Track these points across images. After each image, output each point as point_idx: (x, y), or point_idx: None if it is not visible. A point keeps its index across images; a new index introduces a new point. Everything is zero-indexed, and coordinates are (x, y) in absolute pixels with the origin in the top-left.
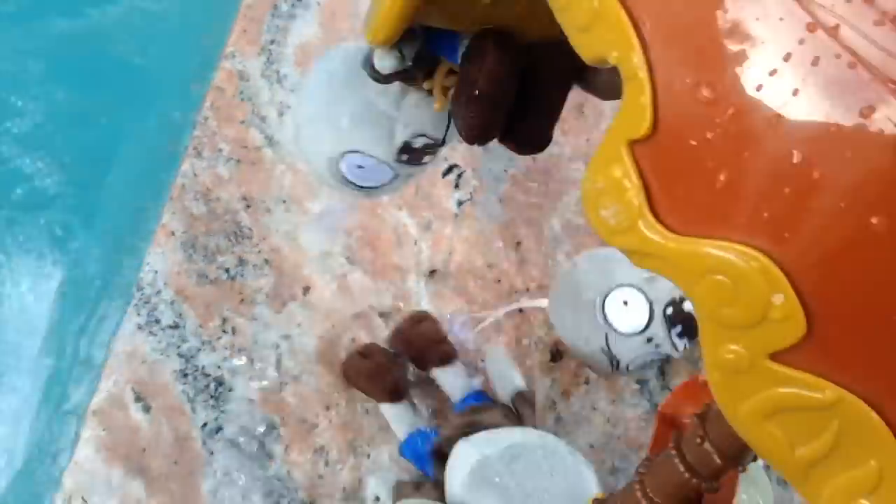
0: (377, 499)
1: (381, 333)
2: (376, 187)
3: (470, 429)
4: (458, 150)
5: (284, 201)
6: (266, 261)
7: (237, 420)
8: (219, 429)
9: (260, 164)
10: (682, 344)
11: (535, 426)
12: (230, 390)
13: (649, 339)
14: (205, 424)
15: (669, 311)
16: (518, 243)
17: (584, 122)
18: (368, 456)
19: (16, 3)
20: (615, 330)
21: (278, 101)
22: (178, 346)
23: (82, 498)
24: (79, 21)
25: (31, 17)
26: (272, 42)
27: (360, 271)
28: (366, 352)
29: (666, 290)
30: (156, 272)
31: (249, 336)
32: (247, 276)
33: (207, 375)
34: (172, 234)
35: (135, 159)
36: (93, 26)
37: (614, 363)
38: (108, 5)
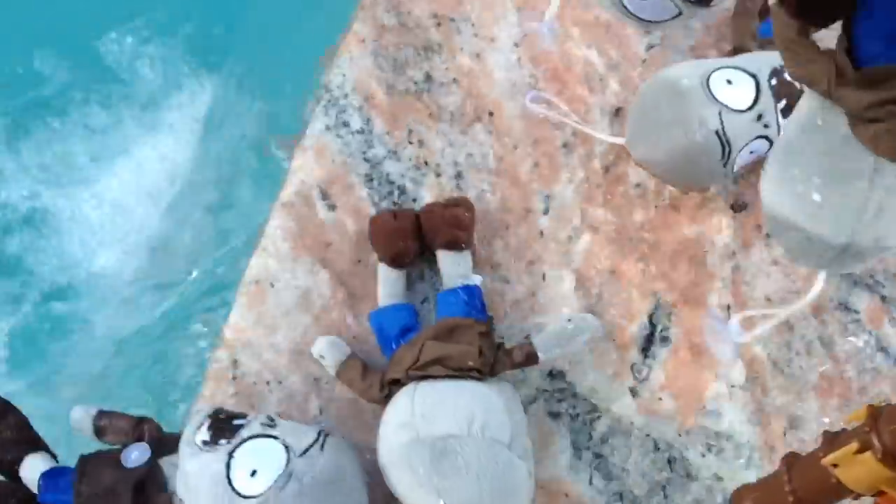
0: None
1: (559, 160)
2: (654, 21)
3: (427, 366)
4: None
5: (473, 24)
6: (454, 80)
7: None
8: None
9: None
10: (784, 124)
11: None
12: (413, 199)
13: (759, 117)
14: None
15: (774, 81)
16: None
17: None
18: (543, 277)
19: None
20: (727, 106)
21: None
22: (365, 151)
23: (270, 283)
24: None
25: None
26: None
27: (544, 103)
28: (397, 214)
29: (765, 61)
30: (344, 76)
31: (435, 150)
32: (434, 92)
33: (392, 182)
34: (363, 41)
35: None
36: None
37: (726, 150)
38: None
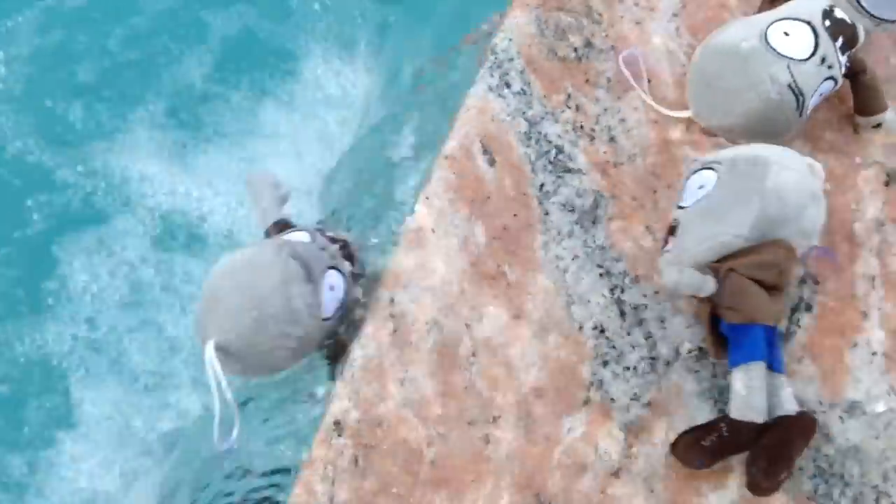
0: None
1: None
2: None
3: None
4: None
5: None
6: (612, 47)
7: (572, 187)
8: (555, 191)
9: None
10: (844, 61)
11: None
12: (570, 159)
13: (822, 60)
14: (542, 185)
15: (828, 22)
16: None
17: None
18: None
19: None
20: (792, 58)
21: None
22: (524, 112)
23: (432, 230)
24: None
25: None
26: None
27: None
28: None
29: (814, 4)
30: (510, 40)
31: (591, 115)
32: (592, 59)
33: (549, 142)
34: (527, 5)
35: None
36: None
37: (800, 100)
38: None
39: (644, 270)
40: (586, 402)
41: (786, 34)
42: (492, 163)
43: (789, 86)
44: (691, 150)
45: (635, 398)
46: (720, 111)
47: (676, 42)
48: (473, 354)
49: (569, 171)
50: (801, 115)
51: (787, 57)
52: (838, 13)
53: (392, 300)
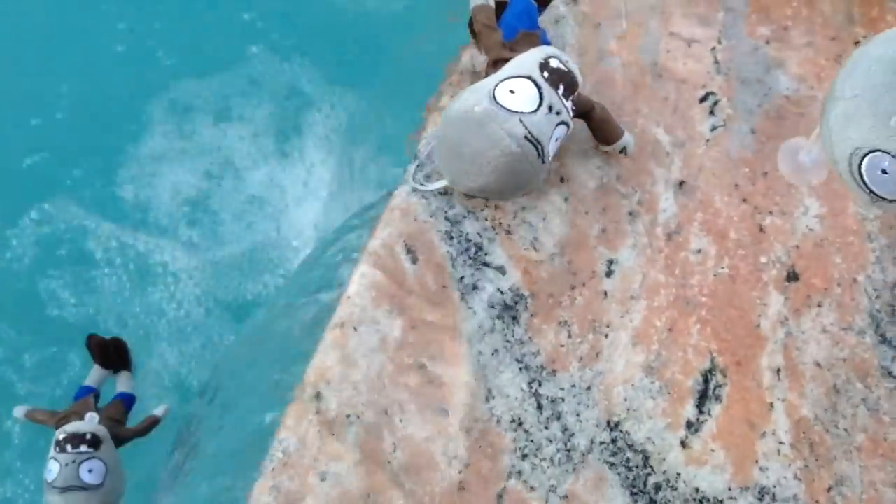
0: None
1: (625, 227)
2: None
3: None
4: (715, 80)
5: None
6: None
7: (493, 283)
8: (476, 287)
9: None
10: (570, 106)
11: None
12: (487, 255)
13: (550, 108)
14: (463, 280)
15: (546, 74)
16: (765, 173)
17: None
18: (606, 336)
19: None
20: (524, 112)
21: (554, 12)
22: (446, 211)
23: (353, 327)
24: None
25: None
26: None
27: (614, 174)
28: None
29: (529, 61)
30: (430, 144)
31: (509, 212)
32: None
33: (470, 240)
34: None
35: None
36: None
37: (539, 148)
38: None
39: (561, 364)
40: (501, 495)
41: (511, 91)
42: (414, 261)
43: (526, 137)
44: (606, 250)
45: (552, 489)
46: (472, 174)
47: (590, 144)
48: (395, 449)
49: (488, 266)
50: (543, 162)
51: (517, 112)
52: (553, 63)
53: (317, 394)
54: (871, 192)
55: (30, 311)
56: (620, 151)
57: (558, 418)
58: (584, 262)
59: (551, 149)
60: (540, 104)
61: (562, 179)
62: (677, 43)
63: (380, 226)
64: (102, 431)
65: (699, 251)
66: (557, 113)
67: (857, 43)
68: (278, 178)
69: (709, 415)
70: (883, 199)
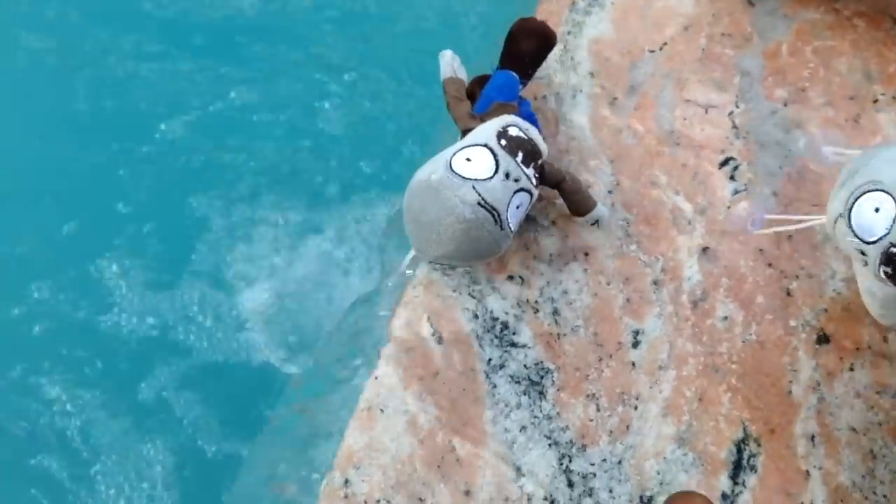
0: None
1: (650, 296)
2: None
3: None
4: (734, 145)
5: (572, 172)
6: (553, 222)
7: (518, 360)
8: (502, 365)
9: (551, 138)
10: (532, 173)
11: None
12: (514, 333)
13: (507, 175)
14: (489, 360)
15: (503, 142)
16: (789, 237)
17: (859, 130)
18: (636, 408)
19: None
20: (478, 179)
21: (571, 85)
22: (470, 288)
23: (381, 409)
24: None
25: None
26: (569, 34)
27: (635, 244)
28: None
29: (489, 129)
30: None
31: (535, 288)
32: (533, 233)
33: (495, 318)
34: None
35: None
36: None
37: (495, 215)
38: None
39: (591, 439)
40: None
41: (468, 160)
42: (440, 340)
43: (479, 203)
44: (631, 320)
45: None
46: (434, 243)
47: (611, 217)
48: None
49: (514, 345)
50: (502, 229)
51: (471, 179)
52: (512, 131)
53: (346, 481)
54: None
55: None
56: (593, 224)
57: (590, 495)
58: (609, 333)
59: (512, 216)
60: (496, 171)
61: (585, 254)
62: (694, 109)
63: (403, 304)
64: None
65: (726, 318)
66: (516, 180)
67: (875, 101)
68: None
69: (744, 486)
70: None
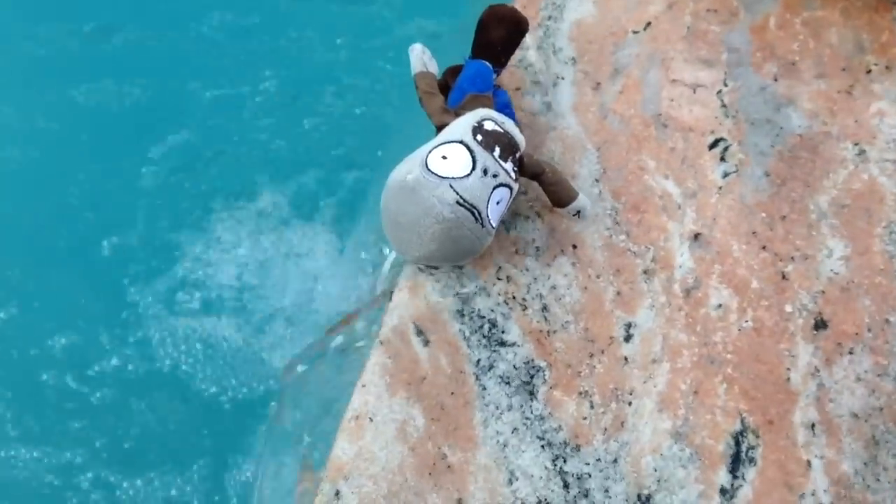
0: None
1: (641, 287)
2: None
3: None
4: (724, 125)
5: (558, 162)
6: (538, 214)
7: (508, 360)
8: (491, 365)
9: (534, 128)
10: (511, 167)
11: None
12: (504, 332)
13: (485, 171)
14: (478, 361)
15: (479, 137)
16: (783, 217)
17: (853, 103)
18: (630, 404)
19: None
20: (455, 177)
21: (553, 73)
22: (456, 287)
23: (369, 418)
24: None
25: None
26: (549, 18)
27: (624, 233)
28: None
29: (463, 125)
30: None
31: (522, 284)
32: (519, 228)
33: (483, 317)
34: None
35: None
36: None
37: (475, 213)
38: None
39: (585, 438)
40: None
41: (444, 157)
42: (426, 343)
43: (458, 202)
44: (623, 313)
45: None
46: (414, 244)
47: (599, 205)
48: None
49: (503, 344)
50: (483, 227)
51: (448, 177)
52: (487, 125)
53: (337, 493)
54: None
55: None
56: (575, 214)
57: (586, 496)
58: (600, 327)
59: (493, 213)
60: (473, 168)
61: (573, 247)
62: (681, 90)
63: (388, 308)
64: None
65: (720, 306)
66: (494, 175)
67: (868, 72)
68: None
69: (743, 479)
70: None
